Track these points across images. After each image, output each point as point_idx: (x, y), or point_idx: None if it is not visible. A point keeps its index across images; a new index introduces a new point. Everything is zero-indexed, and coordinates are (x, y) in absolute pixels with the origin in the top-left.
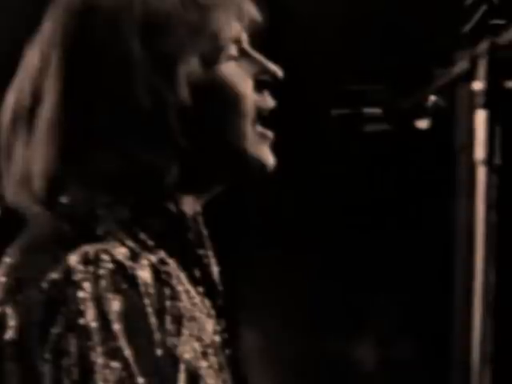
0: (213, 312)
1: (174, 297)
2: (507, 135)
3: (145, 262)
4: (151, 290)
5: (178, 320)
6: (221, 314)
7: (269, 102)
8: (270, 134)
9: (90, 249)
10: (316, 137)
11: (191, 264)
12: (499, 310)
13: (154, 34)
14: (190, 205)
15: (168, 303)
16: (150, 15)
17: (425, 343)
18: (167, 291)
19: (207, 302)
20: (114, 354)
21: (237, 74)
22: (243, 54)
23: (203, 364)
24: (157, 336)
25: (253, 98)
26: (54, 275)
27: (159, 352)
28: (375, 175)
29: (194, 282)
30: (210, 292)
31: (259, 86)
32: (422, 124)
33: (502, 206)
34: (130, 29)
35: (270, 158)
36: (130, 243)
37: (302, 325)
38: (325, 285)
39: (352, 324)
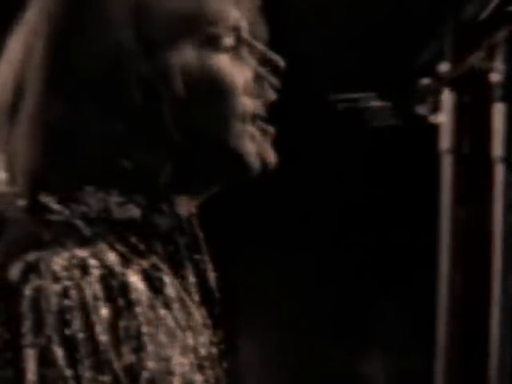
0: (209, 321)
1: (168, 305)
2: None
3: (136, 267)
4: (143, 298)
5: (172, 330)
6: (218, 323)
7: (270, 95)
8: (271, 129)
9: (76, 253)
10: (318, 134)
11: (186, 270)
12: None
13: (146, 22)
14: (184, 206)
15: (161, 312)
16: (142, 2)
17: (430, 352)
18: (160, 299)
19: (203, 311)
20: (102, 366)
21: (235, 66)
22: (242, 43)
23: (199, 378)
24: (149, 347)
25: (253, 91)
26: (38, 281)
27: (151, 365)
28: (377, 174)
29: (189, 289)
30: (206, 300)
31: (260, 78)
32: (436, 119)
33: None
34: (121, 17)
35: (270, 156)
36: (120, 247)
37: (305, 334)
38: (326, 291)
39: (356, 332)
